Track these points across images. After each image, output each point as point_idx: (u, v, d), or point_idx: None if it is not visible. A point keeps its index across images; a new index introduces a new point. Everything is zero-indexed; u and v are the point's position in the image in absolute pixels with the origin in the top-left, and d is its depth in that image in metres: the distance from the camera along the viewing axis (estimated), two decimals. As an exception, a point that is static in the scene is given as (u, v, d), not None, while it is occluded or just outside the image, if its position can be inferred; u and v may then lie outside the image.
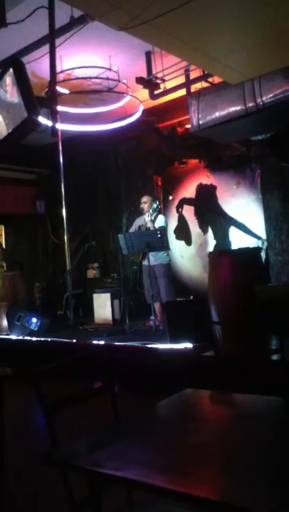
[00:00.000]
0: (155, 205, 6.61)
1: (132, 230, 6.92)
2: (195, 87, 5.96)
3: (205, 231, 7.45)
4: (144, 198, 6.74)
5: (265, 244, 6.42)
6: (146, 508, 2.05)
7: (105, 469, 1.52)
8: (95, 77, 6.09)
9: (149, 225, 6.48)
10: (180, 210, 7.76)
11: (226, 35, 3.89)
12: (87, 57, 5.81)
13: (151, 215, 6.52)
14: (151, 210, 6.56)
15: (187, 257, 7.65)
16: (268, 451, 1.57)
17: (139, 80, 5.92)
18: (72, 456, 1.68)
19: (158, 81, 5.97)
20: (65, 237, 7.50)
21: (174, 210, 7.83)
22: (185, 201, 7.73)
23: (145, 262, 6.39)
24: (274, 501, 1.28)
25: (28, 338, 6.64)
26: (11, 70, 4.26)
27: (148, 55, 5.90)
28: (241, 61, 4.31)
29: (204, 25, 3.69)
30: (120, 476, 1.48)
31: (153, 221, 6.48)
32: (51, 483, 2.25)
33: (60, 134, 6.80)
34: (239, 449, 1.59)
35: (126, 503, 2.02)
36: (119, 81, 6.09)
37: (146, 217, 6.51)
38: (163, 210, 7.76)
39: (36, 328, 6.74)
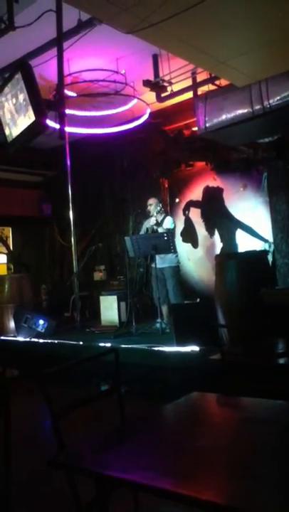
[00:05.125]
0: (158, 208, 6.62)
1: (141, 232, 6.92)
2: (202, 89, 5.96)
3: (212, 234, 7.44)
4: (150, 201, 6.74)
5: (272, 247, 6.40)
6: (152, 511, 2.04)
7: (112, 472, 1.52)
8: (102, 80, 6.11)
9: (156, 226, 6.49)
10: (187, 212, 7.75)
11: (232, 38, 3.90)
12: (94, 60, 5.83)
13: (156, 217, 6.53)
14: (155, 213, 6.58)
15: (194, 259, 7.63)
16: (274, 455, 1.56)
17: (146, 83, 5.93)
18: (78, 459, 1.68)
19: (165, 84, 5.97)
20: (72, 240, 7.52)
21: (180, 212, 7.82)
22: (192, 204, 7.72)
23: (154, 265, 6.38)
24: (281, 505, 1.27)
25: (35, 339, 6.65)
26: (20, 73, 4.31)
27: (155, 58, 5.91)
28: (248, 63, 4.31)
29: (211, 28, 3.70)
30: (127, 479, 1.48)
31: (160, 223, 6.49)
32: (57, 487, 2.24)
33: (67, 137, 6.82)
34: (246, 452, 1.59)
35: (132, 507, 2.01)
36: (126, 84, 6.10)
37: (153, 220, 6.53)
38: (170, 212, 7.75)
39: (43, 330, 6.75)
